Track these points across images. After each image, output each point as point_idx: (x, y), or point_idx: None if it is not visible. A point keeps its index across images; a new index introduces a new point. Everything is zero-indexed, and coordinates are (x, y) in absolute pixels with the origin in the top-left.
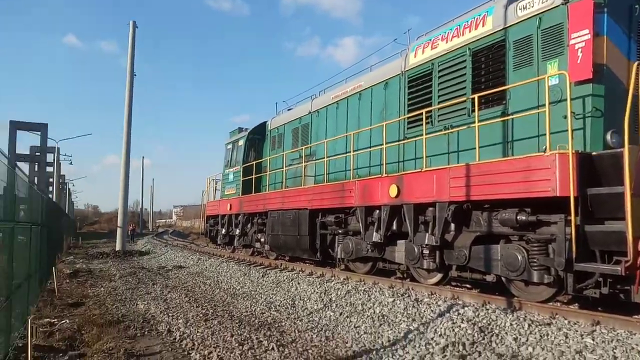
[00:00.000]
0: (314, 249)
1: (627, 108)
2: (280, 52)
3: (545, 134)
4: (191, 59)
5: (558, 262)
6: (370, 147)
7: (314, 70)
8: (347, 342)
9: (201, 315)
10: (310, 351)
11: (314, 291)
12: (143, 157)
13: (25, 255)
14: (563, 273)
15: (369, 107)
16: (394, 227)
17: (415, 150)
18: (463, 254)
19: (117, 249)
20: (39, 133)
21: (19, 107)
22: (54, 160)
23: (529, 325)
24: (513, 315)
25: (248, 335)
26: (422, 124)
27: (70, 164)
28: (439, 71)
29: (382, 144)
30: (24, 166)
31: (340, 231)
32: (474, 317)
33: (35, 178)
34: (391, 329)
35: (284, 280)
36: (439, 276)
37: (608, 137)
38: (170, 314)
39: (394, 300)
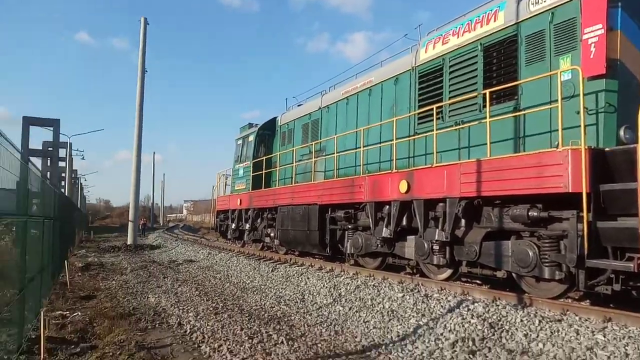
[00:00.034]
0: (323, 244)
1: None
2: (290, 47)
3: (557, 130)
4: (201, 55)
5: (570, 258)
6: (380, 142)
7: (324, 66)
8: (356, 337)
9: (211, 308)
10: (319, 345)
11: (324, 286)
12: (154, 153)
13: (38, 249)
14: (575, 269)
15: (379, 103)
16: (404, 222)
17: (426, 145)
18: (473, 250)
19: (128, 242)
20: (52, 128)
21: (31, 103)
22: (66, 155)
23: (540, 321)
24: (523, 312)
25: (258, 329)
26: (432, 120)
27: (82, 159)
28: (450, 66)
29: (392, 140)
30: (37, 161)
31: (349, 226)
32: (484, 313)
33: (48, 173)
34: (400, 324)
35: (294, 275)
36: (449, 272)
37: (621, 132)
38: (180, 307)
39: (404, 295)
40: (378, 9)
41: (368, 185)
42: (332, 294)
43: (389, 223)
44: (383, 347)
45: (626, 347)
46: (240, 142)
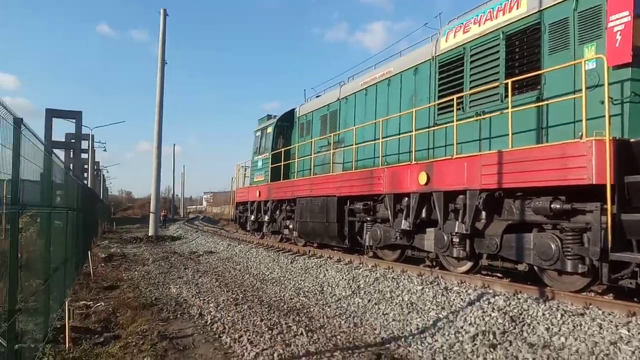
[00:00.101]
0: (342, 236)
1: None
2: (308, 38)
3: (581, 120)
4: (221, 47)
5: (593, 251)
6: (399, 134)
7: (343, 56)
8: (375, 329)
9: (231, 299)
10: (338, 337)
11: (342, 278)
12: (174, 145)
13: (61, 240)
14: (598, 263)
15: (398, 94)
16: (423, 214)
17: (446, 137)
18: (494, 243)
19: (150, 234)
20: (74, 121)
21: (54, 95)
22: (88, 147)
23: (562, 315)
24: (545, 305)
25: (277, 320)
26: (453, 110)
27: (104, 150)
28: (471, 56)
29: (412, 131)
30: (60, 153)
31: (368, 218)
32: (505, 306)
33: (71, 164)
34: (420, 317)
35: (313, 267)
36: (469, 264)
37: None
38: (201, 298)
39: (423, 288)
40: None
41: (387, 177)
42: (350, 286)
43: (408, 215)
44: (402, 339)
45: None
46: (259, 133)
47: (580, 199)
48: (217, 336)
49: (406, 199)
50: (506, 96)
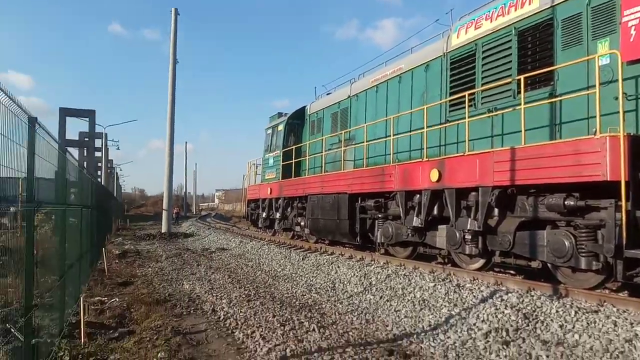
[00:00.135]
0: (353, 233)
1: None
2: (318, 35)
3: (595, 116)
4: (231, 45)
5: (607, 248)
6: (410, 131)
7: (353, 53)
8: (387, 326)
9: (244, 295)
10: (350, 333)
11: (354, 275)
12: (186, 142)
13: (76, 237)
14: (612, 260)
15: (409, 90)
16: (435, 211)
17: (457, 133)
18: (507, 240)
19: (163, 231)
20: (87, 119)
21: (67, 94)
22: (102, 145)
23: (576, 312)
24: (559, 302)
25: (289, 317)
26: (464, 107)
27: (118, 149)
28: (483, 52)
29: (423, 128)
30: (74, 151)
31: (379, 215)
32: (518, 304)
33: (85, 163)
34: (432, 314)
35: (324, 264)
36: (481, 262)
37: None
38: (214, 294)
39: (435, 285)
40: None
41: (398, 174)
42: (362, 282)
43: (419, 212)
44: (414, 336)
45: None
46: (270, 131)
47: (594, 195)
48: (229, 332)
49: (418, 196)
50: (519, 92)
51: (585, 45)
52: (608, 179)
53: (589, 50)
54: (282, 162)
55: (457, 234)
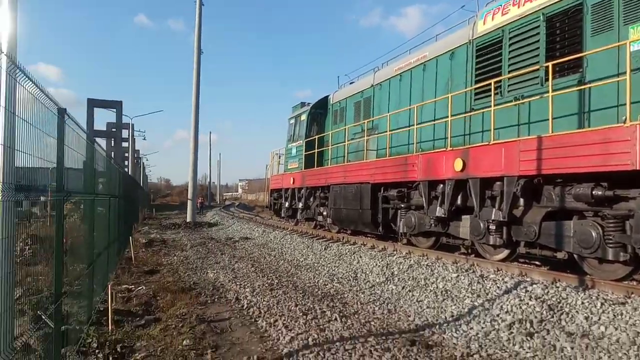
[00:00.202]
0: (375, 222)
1: None
2: (342, 24)
3: (625, 104)
4: (255, 34)
5: (635, 239)
6: (434, 120)
7: (377, 41)
8: (409, 316)
9: (267, 284)
10: (372, 323)
11: (376, 265)
12: (210, 133)
13: (104, 226)
14: None
15: (433, 79)
16: (459, 201)
17: (483, 122)
18: (532, 230)
19: (188, 220)
20: (115, 110)
21: (95, 85)
22: (129, 136)
23: (602, 304)
24: (585, 294)
25: (312, 306)
26: (490, 95)
27: (144, 139)
28: (510, 38)
29: (447, 117)
30: (102, 142)
31: (402, 205)
32: (542, 295)
33: (112, 153)
34: (455, 304)
35: (346, 254)
36: (505, 252)
37: None
38: (238, 283)
39: (458, 275)
40: None
41: (421, 164)
42: (384, 272)
43: (443, 202)
44: (437, 326)
45: None
46: (292, 121)
47: (623, 185)
48: (253, 320)
49: (441, 185)
50: (546, 79)
51: (616, 31)
52: (637, 168)
53: (620, 36)
54: (305, 151)
55: (481, 224)
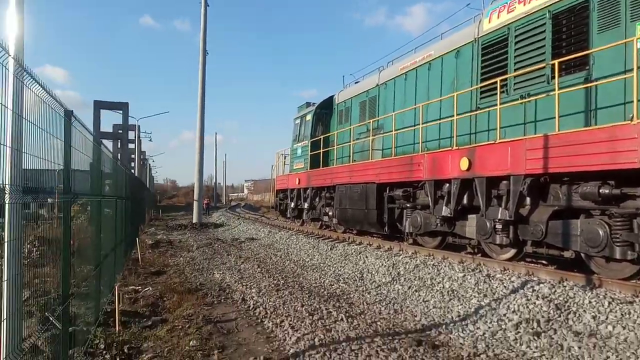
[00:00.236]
0: (381, 222)
1: None
2: (347, 24)
3: (632, 102)
4: (257, 35)
5: None
6: (440, 119)
7: (382, 41)
8: (415, 316)
9: (273, 285)
10: (378, 323)
11: (382, 265)
12: (216, 134)
13: (111, 227)
14: None
15: (439, 78)
16: (465, 201)
17: (489, 121)
18: (539, 229)
19: (194, 221)
20: (121, 112)
21: (101, 87)
22: (135, 137)
23: (609, 303)
24: (592, 293)
25: (318, 306)
26: (496, 93)
27: (150, 140)
28: (516, 36)
29: (453, 116)
30: (108, 143)
31: (408, 205)
32: (549, 294)
33: (119, 154)
34: (461, 304)
35: (352, 254)
36: (512, 252)
37: None
38: (244, 284)
39: (464, 275)
40: None
41: (427, 163)
42: (390, 272)
43: (449, 201)
44: (443, 326)
45: None
46: (298, 121)
47: (630, 183)
48: (259, 321)
49: (447, 185)
50: (553, 77)
51: (623, 28)
52: None
53: (627, 33)
54: (310, 152)
55: (488, 224)
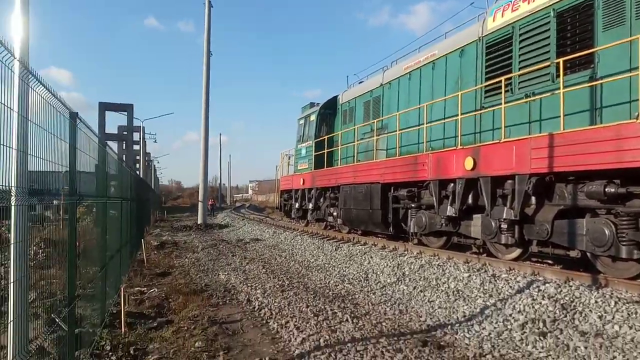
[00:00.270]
0: (386, 223)
1: None
2: (350, 23)
3: (637, 100)
4: (261, 35)
5: None
6: (444, 118)
7: (386, 40)
8: (421, 316)
9: (278, 286)
10: (384, 324)
11: (387, 265)
12: (220, 134)
13: (116, 229)
14: None
15: (443, 77)
16: (470, 200)
17: (493, 120)
18: (545, 229)
19: (199, 222)
20: (126, 113)
21: (106, 88)
22: (140, 139)
23: (616, 302)
24: (598, 293)
25: (323, 307)
26: (501, 92)
27: (155, 142)
28: (520, 35)
29: (458, 115)
30: (113, 145)
31: (413, 205)
32: (555, 294)
33: (124, 156)
34: (467, 305)
35: (357, 254)
36: (517, 251)
37: None
38: (249, 285)
39: (470, 275)
40: None
41: (432, 163)
42: (395, 273)
43: (453, 201)
44: (449, 327)
45: None
46: (302, 121)
47: (636, 182)
48: (264, 322)
49: (452, 184)
50: (557, 76)
51: (628, 26)
52: None
53: (632, 31)
54: (315, 152)
55: (493, 223)
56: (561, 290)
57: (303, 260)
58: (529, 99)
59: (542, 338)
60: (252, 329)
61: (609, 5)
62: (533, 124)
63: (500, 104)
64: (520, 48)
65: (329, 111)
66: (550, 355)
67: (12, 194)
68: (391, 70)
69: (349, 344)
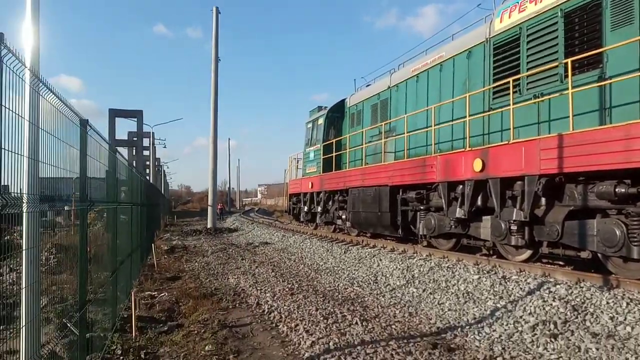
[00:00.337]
0: (395, 225)
1: None
2: (358, 26)
3: None
4: (269, 38)
5: None
6: (452, 120)
7: (393, 43)
8: (430, 319)
9: (287, 289)
10: (393, 326)
11: (396, 267)
12: (229, 139)
13: (127, 233)
14: None
15: (450, 79)
16: (479, 202)
17: (502, 121)
18: (555, 230)
19: (208, 226)
20: (135, 119)
21: (116, 95)
22: (149, 144)
23: (628, 303)
24: (610, 294)
25: (332, 310)
26: (509, 93)
27: (164, 147)
28: (528, 35)
29: (466, 117)
30: (123, 151)
31: (421, 207)
32: (566, 295)
33: (134, 162)
34: (477, 307)
35: (366, 257)
36: (528, 253)
37: None
38: (258, 288)
39: (480, 277)
40: None
41: (440, 165)
42: (405, 275)
43: (462, 203)
44: (459, 329)
45: None
46: (310, 125)
47: None
48: (274, 325)
49: (460, 186)
50: (566, 76)
51: (636, 25)
52: None
53: None
54: (323, 155)
55: (502, 225)
56: (572, 292)
57: (312, 263)
58: (537, 100)
59: (553, 340)
60: (262, 332)
61: (617, 5)
62: (542, 124)
63: (509, 105)
64: (528, 49)
65: (336, 114)
66: (561, 357)
67: (24, 201)
68: (398, 73)
69: (358, 347)
